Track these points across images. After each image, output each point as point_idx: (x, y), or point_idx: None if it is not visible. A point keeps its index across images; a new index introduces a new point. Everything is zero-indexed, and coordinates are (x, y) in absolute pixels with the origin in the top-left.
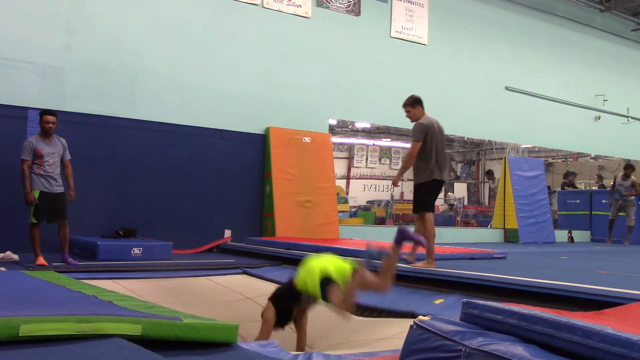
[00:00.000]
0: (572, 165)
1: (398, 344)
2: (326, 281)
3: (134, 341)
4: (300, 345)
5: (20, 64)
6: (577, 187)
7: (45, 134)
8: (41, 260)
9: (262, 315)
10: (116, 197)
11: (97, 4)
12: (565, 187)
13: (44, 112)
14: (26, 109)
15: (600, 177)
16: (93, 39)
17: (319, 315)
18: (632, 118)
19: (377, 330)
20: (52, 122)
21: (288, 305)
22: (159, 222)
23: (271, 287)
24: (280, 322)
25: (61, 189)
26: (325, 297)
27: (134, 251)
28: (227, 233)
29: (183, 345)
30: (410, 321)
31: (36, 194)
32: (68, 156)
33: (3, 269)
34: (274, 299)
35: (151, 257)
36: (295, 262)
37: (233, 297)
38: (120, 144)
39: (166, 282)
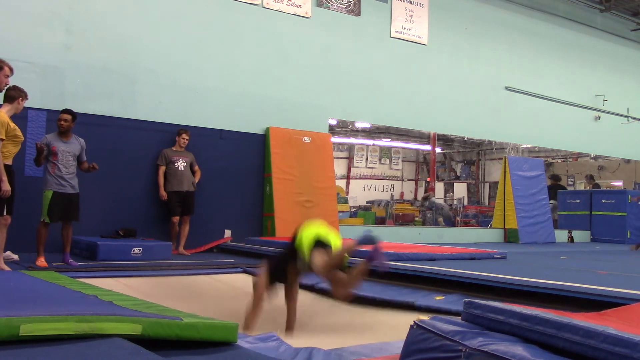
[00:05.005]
0: (572, 165)
1: (397, 334)
2: (319, 243)
3: (134, 341)
4: (290, 323)
5: (20, 64)
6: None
7: (60, 132)
8: (42, 261)
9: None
10: (116, 197)
11: (97, 4)
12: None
13: (61, 111)
14: (26, 109)
15: (591, 177)
16: (93, 39)
17: (315, 302)
18: (632, 118)
19: (377, 319)
20: (64, 119)
21: (282, 263)
22: (159, 222)
23: None
24: (273, 279)
25: (76, 191)
26: (310, 256)
27: (134, 251)
28: (227, 233)
29: (183, 344)
30: (409, 314)
31: (49, 195)
32: (84, 157)
33: (8, 268)
34: (269, 258)
35: (151, 257)
36: None
37: (234, 293)
38: (120, 144)
39: (167, 279)
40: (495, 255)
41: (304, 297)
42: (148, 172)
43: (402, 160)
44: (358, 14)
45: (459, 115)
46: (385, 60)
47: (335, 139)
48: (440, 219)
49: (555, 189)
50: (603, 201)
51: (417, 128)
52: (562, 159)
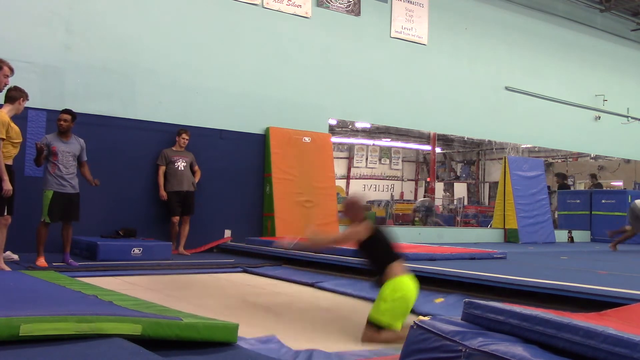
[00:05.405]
0: (572, 165)
1: None
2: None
3: (134, 341)
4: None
5: (20, 64)
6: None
7: (60, 132)
8: (42, 260)
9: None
10: (116, 197)
11: (97, 4)
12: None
13: (61, 111)
14: (26, 109)
15: (594, 176)
16: (93, 39)
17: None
18: (632, 118)
19: None
20: (64, 119)
21: (381, 260)
22: (159, 222)
23: (273, 283)
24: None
25: (76, 191)
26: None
27: (134, 251)
28: (227, 233)
29: (183, 344)
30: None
31: (50, 195)
32: (84, 157)
33: (8, 268)
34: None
35: (151, 257)
36: (295, 262)
37: (235, 288)
38: (120, 144)
39: (167, 276)
40: (495, 255)
41: (304, 294)
42: (148, 172)
43: (402, 160)
44: (358, 14)
45: (459, 115)
46: (385, 60)
47: (335, 139)
48: (421, 217)
49: (561, 189)
50: (603, 201)
51: (417, 128)
52: (562, 159)
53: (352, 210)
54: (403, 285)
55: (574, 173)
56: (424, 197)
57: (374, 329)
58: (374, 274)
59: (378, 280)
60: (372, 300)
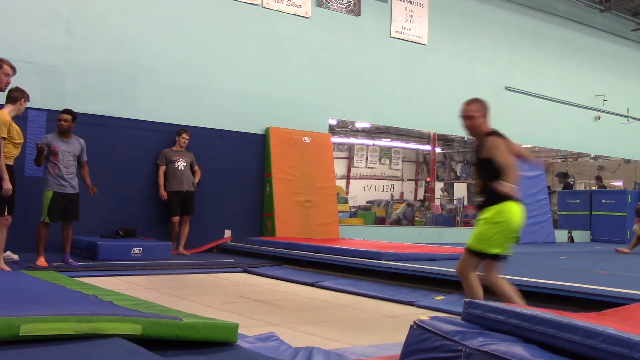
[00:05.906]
0: (572, 165)
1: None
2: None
3: (134, 341)
4: None
5: (20, 64)
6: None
7: (60, 131)
8: (42, 261)
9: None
10: (116, 197)
11: (97, 4)
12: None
13: (61, 111)
14: (26, 109)
15: (599, 179)
16: (93, 39)
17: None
18: (632, 118)
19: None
20: (64, 119)
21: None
22: (159, 222)
23: (273, 283)
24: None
25: (75, 191)
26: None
27: (134, 251)
28: (227, 233)
29: (183, 344)
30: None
31: (50, 195)
32: (85, 157)
33: (8, 268)
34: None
35: (151, 257)
36: (295, 262)
37: (235, 288)
38: (120, 144)
39: (167, 276)
40: None
41: (305, 293)
42: (148, 172)
43: (402, 160)
44: (358, 14)
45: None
46: (385, 60)
47: (335, 139)
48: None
49: (565, 188)
50: (603, 201)
51: (417, 128)
52: (562, 159)
53: (480, 116)
54: (507, 209)
55: (574, 173)
56: (407, 202)
57: (476, 257)
58: (483, 193)
59: (484, 202)
60: (374, 297)
